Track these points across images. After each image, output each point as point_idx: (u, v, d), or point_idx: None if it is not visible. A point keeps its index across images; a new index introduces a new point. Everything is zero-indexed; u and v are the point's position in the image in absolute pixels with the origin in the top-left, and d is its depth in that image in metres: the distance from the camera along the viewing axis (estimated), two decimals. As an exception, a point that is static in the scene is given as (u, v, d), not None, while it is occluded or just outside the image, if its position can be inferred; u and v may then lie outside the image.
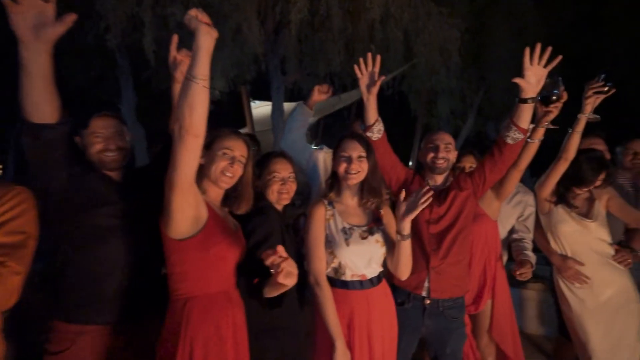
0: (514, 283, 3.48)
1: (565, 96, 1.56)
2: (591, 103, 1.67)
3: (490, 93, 7.54)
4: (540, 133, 1.63)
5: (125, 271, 1.23)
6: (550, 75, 1.50)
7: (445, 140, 1.67)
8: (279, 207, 1.50)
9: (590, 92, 1.66)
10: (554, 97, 1.56)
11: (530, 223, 2.05)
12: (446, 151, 1.65)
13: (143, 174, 1.43)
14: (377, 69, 1.57)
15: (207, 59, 1.01)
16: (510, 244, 2.07)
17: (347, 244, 1.39)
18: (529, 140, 1.64)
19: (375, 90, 1.57)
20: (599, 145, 2.05)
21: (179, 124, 1.00)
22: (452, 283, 1.59)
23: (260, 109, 7.42)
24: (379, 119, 1.61)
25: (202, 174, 1.24)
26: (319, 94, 1.95)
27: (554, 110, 1.58)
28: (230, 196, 1.31)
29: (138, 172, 1.46)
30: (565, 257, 1.88)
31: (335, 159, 1.48)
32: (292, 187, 1.49)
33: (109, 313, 1.20)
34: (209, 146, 1.25)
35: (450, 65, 4.74)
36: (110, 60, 5.99)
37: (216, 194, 1.28)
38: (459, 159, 2.03)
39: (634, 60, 6.32)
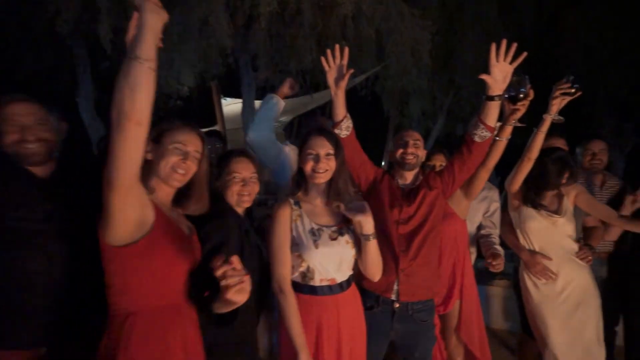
0: (480, 280, 3.59)
1: (532, 94, 1.58)
2: (557, 104, 1.70)
3: (459, 95, 7.76)
4: (508, 131, 1.64)
5: (51, 284, 1.07)
6: (517, 73, 1.51)
7: (414, 136, 1.65)
8: (240, 210, 1.39)
9: (557, 93, 1.68)
10: (521, 95, 1.57)
11: (496, 218, 2.08)
12: (415, 147, 1.62)
13: (83, 171, 1.27)
14: (345, 62, 1.50)
15: (153, 39, 0.90)
16: (478, 240, 2.08)
17: (316, 246, 1.31)
18: (497, 138, 1.65)
19: (343, 84, 1.50)
20: (560, 145, 2.10)
21: (118, 109, 0.87)
22: (421, 285, 1.56)
23: (231, 106, 7.18)
24: (348, 115, 1.55)
25: (149, 170, 1.11)
26: (289, 88, 1.87)
27: (522, 108, 1.59)
28: (183, 196, 1.19)
29: (76, 169, 1.29)
30: (533, 253, 1.91)
31: (302, 157, 1.39)
32: (253, 189, 1.39)
33: (30, 334, 1.04)
34: (158, 139, 1.13)
35: (421, 67, 4.79)
36: (65, 49, 5.54)
37: (166, 193, 1.15)
38: (429, 157, 2.04)
39: (588, 65, 6.74)
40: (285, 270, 1.31)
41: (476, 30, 6.59)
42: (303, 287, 1.34)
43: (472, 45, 6.51)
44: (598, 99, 6.96)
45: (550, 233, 1.90)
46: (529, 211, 1.92)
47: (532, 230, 1.92)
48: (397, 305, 1.54)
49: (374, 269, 1.37)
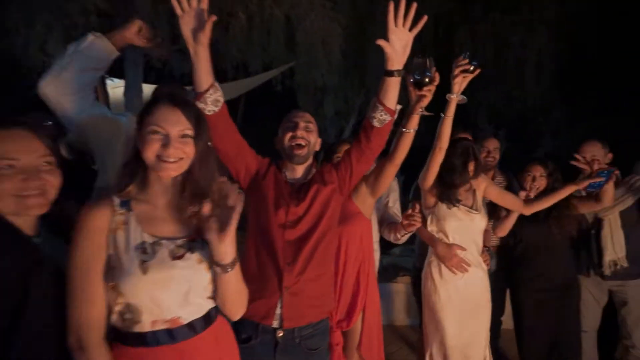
0: (384, 277, 3.58)
1: (437, 78, 1.42)
2: (459, 83, 1.59)
3: (369, 96, 8.06)
4: (414, 121, 1.45)
5: None
6: (421, 55, 1.36)
7: (305, 118, 1.34)
8: (26, 223, 0.84)
9: (457, 71, 1.58)
10: (427, 80, 1.40)
11: (398, 208, 1.96)
12: (306, 131, 1.31)
13: None
14: (205, 6, 1.08)
15: None
16: (385, 230, 1.91)
17: (144, 270, 0.85)
18: (404, 130, 1.45)
19: (204, 38, 1.07)
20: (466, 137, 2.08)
21: None
22: (312, 305, 1.25)
23: (121, 89, 6.04)
24: (216, 84, 1.13)
25: None
26: (136, 35, 1.32)
27: (428, 94, 1.42)
28: None
29: None
30: (449, 245, 1.81)
31: (142, 135, 0.92)
32: (49, 182, 0.86)
33: None
34: None
35: (332, 60, 4.66)
36: None
37: None
38: (337, 148, 1.82)
39: (472, 80, 7.69)
40: (90, 311, 0.82)
41: (384, 33, 6.83)
42: (126, 337, 0.87)
43: (379, 48, 6.71)
44: (480, 109, 8.00)
45: (468, 230, 1.83)
46: (447, 209, 1.81)
47: (451, 228, 1.80)
48: (280, 333, 1.20)
49: (233, 305, 0.98)
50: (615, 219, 2.09)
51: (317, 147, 1.38)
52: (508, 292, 2.34)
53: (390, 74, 1.17)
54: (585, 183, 1.87)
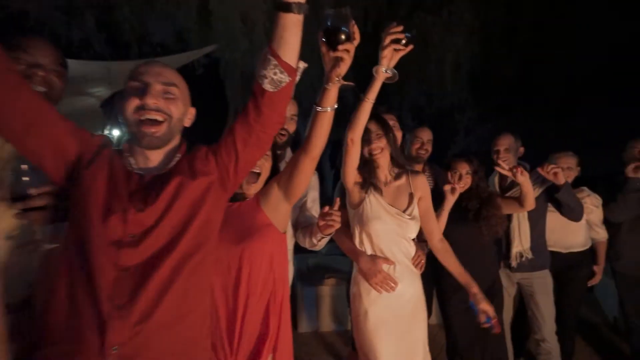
0: (309, 281, 3.28)
1: (357, 35, 1.05)
2: (388, 56, 1.26)
3: (300, 80, 7.77)
4: (331, 96, 1.05)
5: None
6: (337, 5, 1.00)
7: (165, 77, 0.86)
8: None
9: (388, 40, 1.24)
10: (343, 36, 1.02)
11: (317, 209, 1.65)
12: (165, 98, 0.84)
13: None
14: None
15: None
16: (299, 235, 1.56)
17: None
18: (319, 108, 1.05)
19: None
20: (391, 120, 1.82)
21: None
22: None
23: None
24: None
25: None
26: None
27: (345, 56, 1.03)
28: None
29: None
30: (374, 258, 1.52)
31: None
32: None
33: None
34: None
35: (254, 40, 4.13)
36: None
37: None
38: None
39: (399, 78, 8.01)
40: None
41: (316, 23, 6.57)
42: None
43: (313, 35, 6.43)
44: (403, 105, 8.30)
45: (395, 236, 1.56)
46: (375, 209, 1.52)
47: (376, 232, 1.54)
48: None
49: None
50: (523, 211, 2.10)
51: (188, 123, 0.92)
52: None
53: (286, 7, 0.77)
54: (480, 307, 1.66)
